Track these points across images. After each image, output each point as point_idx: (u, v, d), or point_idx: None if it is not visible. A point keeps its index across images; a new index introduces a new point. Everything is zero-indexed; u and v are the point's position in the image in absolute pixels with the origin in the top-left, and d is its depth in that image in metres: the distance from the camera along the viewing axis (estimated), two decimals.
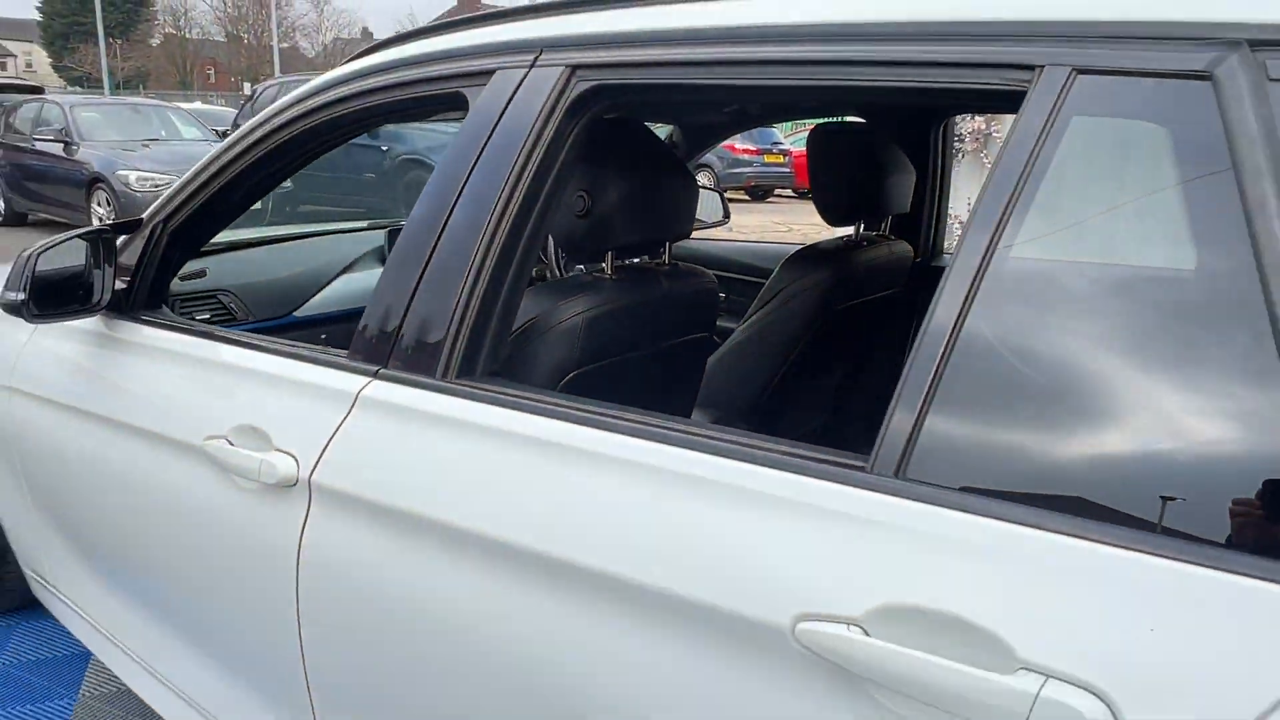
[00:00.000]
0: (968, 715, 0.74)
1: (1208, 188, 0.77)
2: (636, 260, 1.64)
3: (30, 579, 2.24)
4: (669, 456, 0.98)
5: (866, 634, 0.80)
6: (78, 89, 40.99)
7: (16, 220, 10.86)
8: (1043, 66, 0.86)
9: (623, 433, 1.03)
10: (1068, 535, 0.75)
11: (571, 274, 2.60)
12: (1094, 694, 0.70)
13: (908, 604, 0.79)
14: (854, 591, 0.82)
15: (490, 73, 1.31)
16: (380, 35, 65.76)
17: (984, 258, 0.84)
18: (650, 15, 1.19)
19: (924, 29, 0.94)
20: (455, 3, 58.90)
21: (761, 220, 12.02)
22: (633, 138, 1.54)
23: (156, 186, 8.89)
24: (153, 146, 9.89)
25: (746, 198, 15.74)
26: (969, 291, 0.84)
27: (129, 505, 1.66)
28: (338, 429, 1.27)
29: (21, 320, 1.96)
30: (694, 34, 1.13)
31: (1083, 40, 0.85)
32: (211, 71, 62.23)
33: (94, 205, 9.31)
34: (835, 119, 2.61)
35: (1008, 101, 0.88)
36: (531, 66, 1.26)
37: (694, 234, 3.09)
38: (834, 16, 1.01)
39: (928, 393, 0.84)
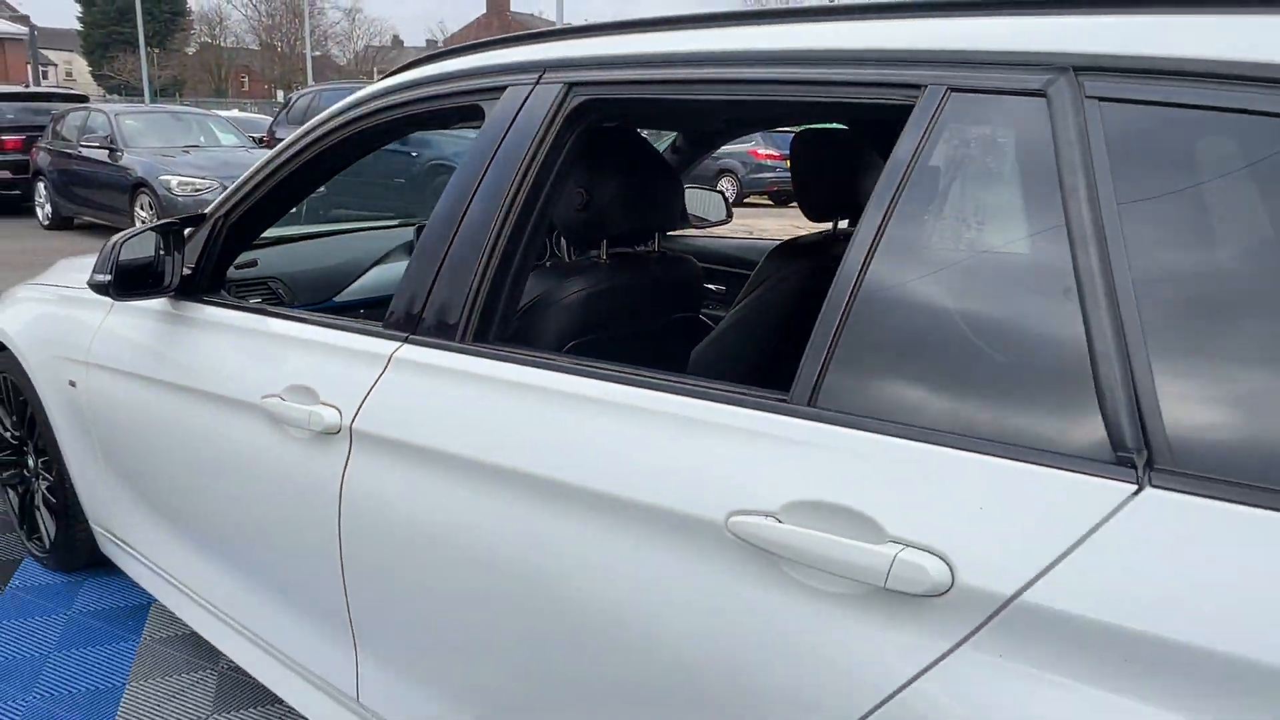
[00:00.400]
0: (849, 575, 0.98)
1: (1040, 180, 1.01)
2: (629, 248, 1.89)
3: (99, 535, 2.53)
4: (637, 396, 1.23)
5: (780, 522, 1.04)
6: (116, 97, 41.96)
7: (63, 224, 11.32)
8: (925, 86, 1.10)
9: (603, 379, 1.28)
10: (925, 443, 0.99)
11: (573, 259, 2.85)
12: (938, 555, 0.94)
13: (810, 499, 1.03)
14: (772, 491, 1.06)
15: (502, 88, 1.57)
16: (410, 42, 66.35)
17: (876, 236, 1.08)
18: (631, 42, 1.44)
19: (839, 55, 1.19)
20: (484, 10, 59.59)
21: (781, 224, 12.21)
22: (623, 142, 1.79)
23: (197, 191, 9.27)
24: (193, 152, 10.30)
25: (769, 202, 15.96)
26: (863, 263, 1.08)
27: (193, 459, 1.94)
28: (374, 384, 1.53)
29: (94, 307, 2.26)
30: (666, 57, 1.38)
31: (954, 65, 1.09)
32: (245, 79, 63.32)
33: (137, 209, 9.71)
34: (817, 125, 2.83)
35: (900, 113, 1.13)
36: (536, 84, 1.52)
37: (698, 231, 3.34)
38: (770, 45, 1.26)
39: (831, 343, 1.08)
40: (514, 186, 1.48)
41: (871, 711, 0.96)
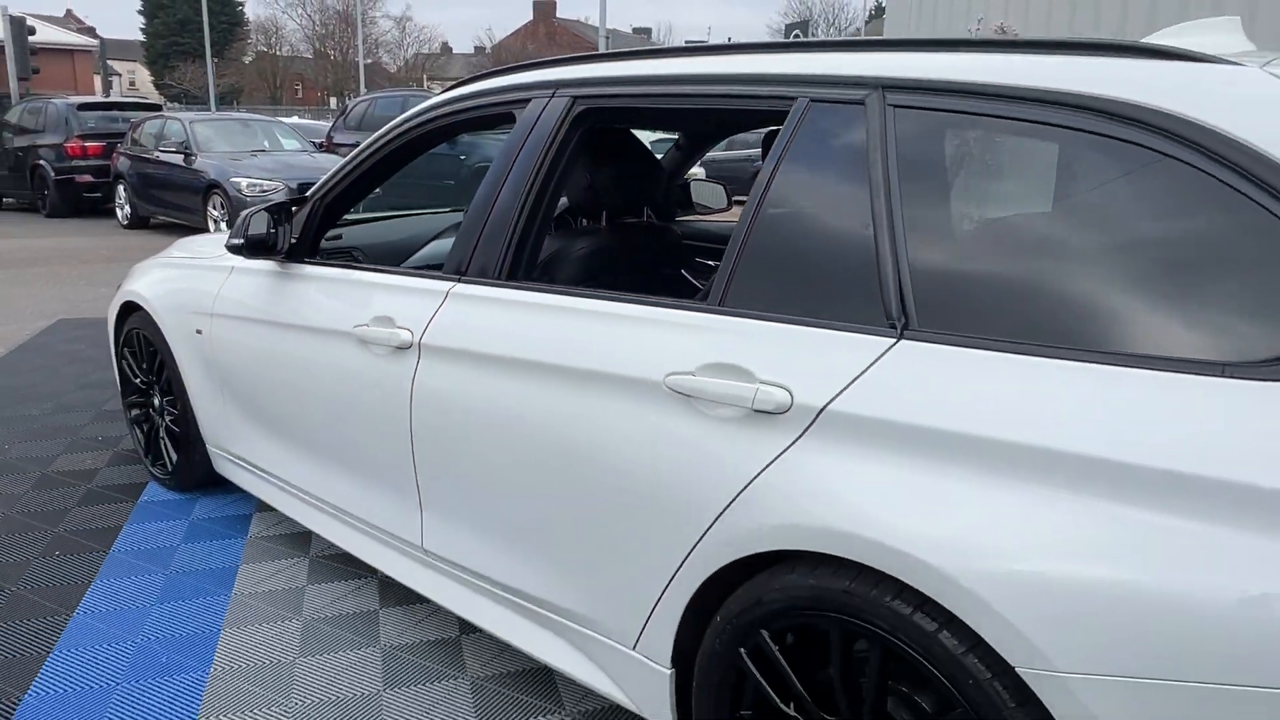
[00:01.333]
0: (733, 404, 1.57)
1: (858, 154, 1.59)
2: (624, 219, 2.50)
3: (215, 455, 3.20)
4: (614, 307, 1.83)
5: (694, 376, 1.63)
6: (176, 105, 43.61)
7: (140, 223, 12.24)
8: (795, 98, 1.69)
9: (591, 298, 1.89)
10: (779, 324, 1.58)
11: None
12: (783, 388, 1.53)
13: (714, 361, 1.63)
14: (692, 358, 1.66)
15: (528, 100, 2.19)
16: (459, 49, 67.32)
17: (760, 196, 1.67)
18: (613, 68, 2.05)
19: (743, 78, 1.78)
20: (531, 17, 60.71)
21: None
22: (617, 140, 2.40)
23: (264, 192, 10.07)
24: (260, 156, 11.14)
25: None
26: (752, 214, 1.67)
27: (297, 380, 2.58)
28: (436, 312, 2.16)
29: (216, 271, 2.92)
30: (638, 78, 1.99)
31: (813, 84, 1.68)
32: (299, 87, 65.08)
33: (210, 209, 10.55)
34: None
35: (780, 119, 1.72)
36: (551, 97, 2.13)
37: (700, 217, 3.94)
38: (703, 70, 1.86)
39: (734, 263, 1.67)
40: (535, 171, 2.10)
41: (746, 486, 1.55)
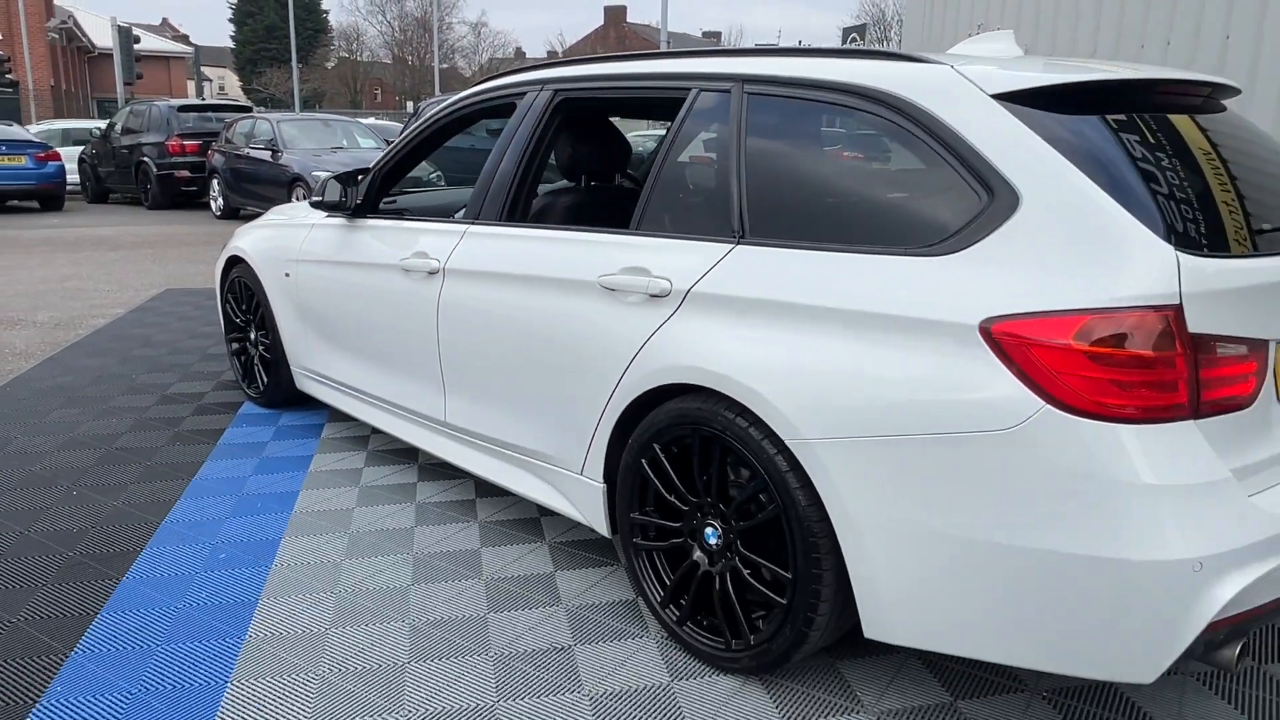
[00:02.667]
0: (638, 291, 2.35)
1: (725, 126, 2.36)
2: (599, 181, 3.30)
3: (296, 374, 4.09)
4: (572, 235, 2.63)
5: (615, 275, 2.42)
6: (263, 108, 45.78)
7: (231, 214, 13.48)
8: (691, 88, 2.47)
9: (558, 230, 2.69)
10: (667, 239, 2.36)
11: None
12: (666, 279, 2.31)
13: (628, 265, 2.41)
14: (617, 265, 2.45)
15: (525, 92, 3.00)
16: (531, 54, 68.66)
17: (664, 157, 2.46)
18: (579, 69, 2.85)
19: (660, 74, 2.57)
20: (602, 22, 61.93)
21: None
22: (590, 122, 3.20)
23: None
24: (339, 153, 12.23)
25: None
26: (657, 168, 2.46)
27: (358, 304, 3.44)
28: (457, 245, 2.98)
29: (300, 227, 3.80)
30: (596, 76, 2.78)
31: (703, 79, 2.45)
32: (378, 91, 67.34)
33: (294, 200, 11.66)
34: None
35: (680, 107, 2.49)
36: (540, 90, 2.95)
37: None
38: (633, 69, 2.66)
39: (645, 201, 2.46)
40: (527, 143, 2.91)
41: (644, 344, 2.33)
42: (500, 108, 3.15)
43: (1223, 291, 1.73)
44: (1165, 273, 1.69)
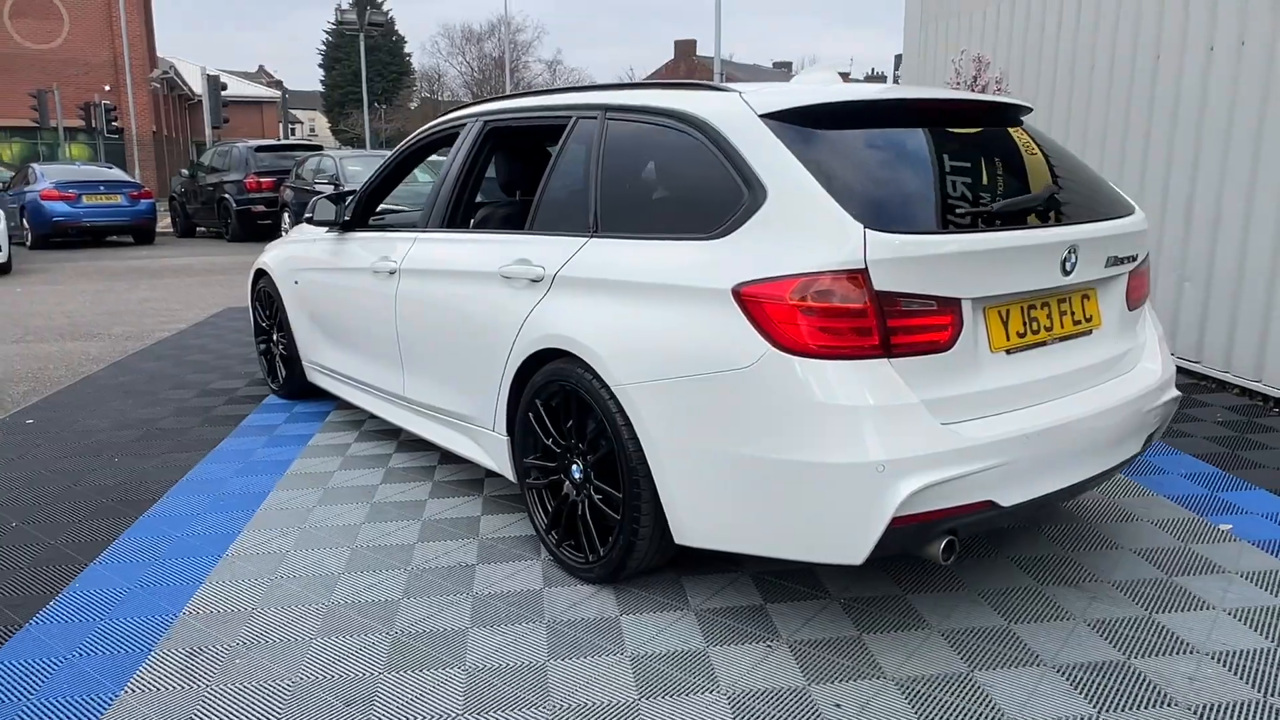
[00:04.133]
0: (526, 277, 2.96)
1: (591, 145, 2.96)
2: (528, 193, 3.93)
3: (306, 366, 4.80)
4: (486, 235, 3.26)
5: (511, 265, 3.03)
6: (349, 147, 48.16)
7: None
8: (571, 116, 3.09)
9: (479, 233, 3.32)
10: (550, 235, 2.97)
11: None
12: (542, 268, 2.91)
13: (520, 257, 3.02)
14: (512, 258, 3.06)
15: (464, 124, 3.66)
16: None
17: (551, 166, 3.07)
18: (498, 105, 3.49)
19: (549, 106, 3.19)
20: (672, 56, 63.14)
21: None
22: (516, 146, 3.83)
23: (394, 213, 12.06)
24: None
25: None
26: (544, 181, 3.07)
27: (344, 301, 4.13)
28: (410, 249, 3.64)
29: (306, 242, 4.52)
30: (508, 109, 3.42)
31: (580, 109, 3.06)
32: None
33: None
34: None
35: (563, 132, 3.11)
36: (474, 120, 3.60)
37: None
38: (535, 103, 3.28)
39: (534, 213, 3.07)
40: (464, 164, 3.56)
41: (525, 319, 2.92)
42: (450, 137, 3.82)
43: (905, 259, 2.25)
44: (854, 245, 2.22)
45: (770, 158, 2.43)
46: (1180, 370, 5.33)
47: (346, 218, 4.25)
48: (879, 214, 2.30)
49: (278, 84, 70.87)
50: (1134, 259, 2.82)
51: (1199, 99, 5.00)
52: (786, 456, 2.26)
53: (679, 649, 2.48)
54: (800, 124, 2.50)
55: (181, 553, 3.13)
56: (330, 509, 3.50)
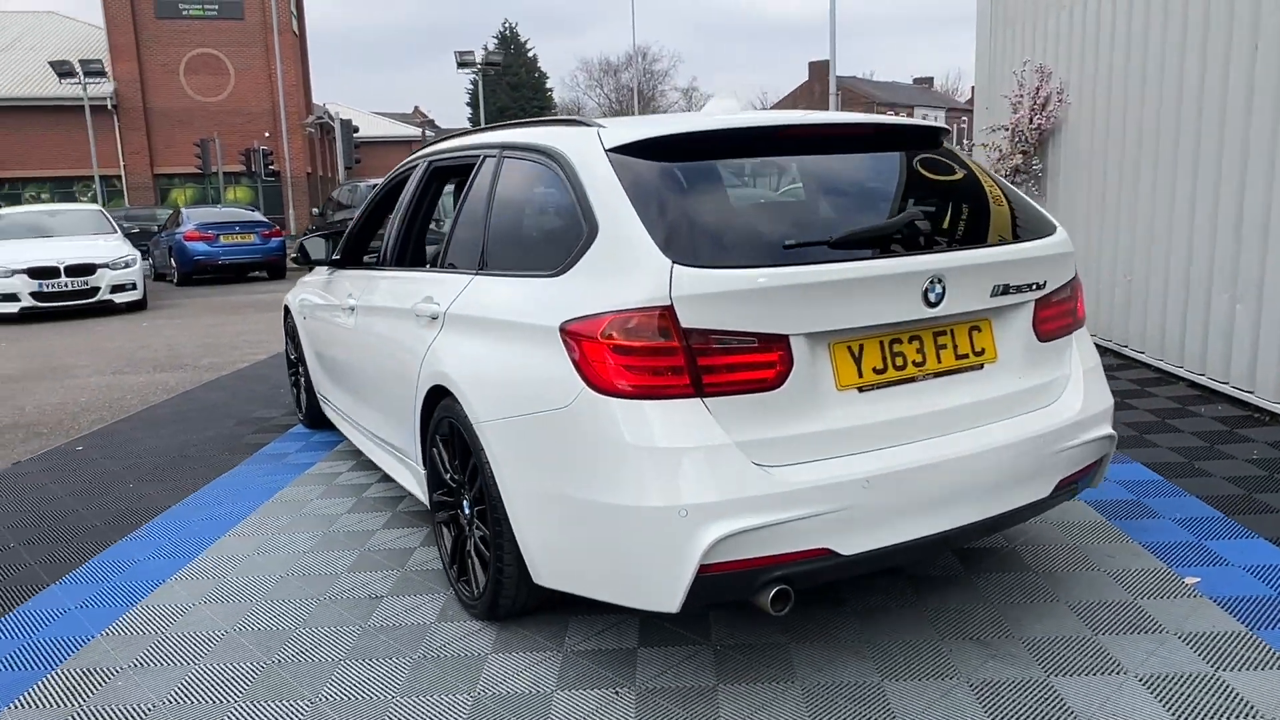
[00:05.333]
0: (426, 314, 3.01)
1: (491, 179, 2.99)
2: None
3: (319, 398, 5.03)
4: (408, 274, 3.34)
5: (421, 303, 3.10)
6: None
7: None
8: (479, 156, 3.13)
9: (404, 271, 3.41)
10: (449, 274, 3.01)
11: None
12: (439, 305, 2.96)
13: (426, 295, 3.08)
14: (422, 295, 3.12)
15: (416, 165, 3.77)
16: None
17: (461, 201, 3.12)
18: (439, 145, 3.58)
19: (469, 148, 3.25)
20: (807, 78, 62.59)
21: None
22: (454, 184, 3.90)
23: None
24: None
25: None
26: (453, 221, 3.12)
27: (330, 337, 4.31)
28: (364, 286, 3.77)
29: (314, 284, 4.74)
30: (442, 150, 3.50)
31: (485, 148, 3.11)
32: None
33: None
34: None
35: (473, 170, 3.15)
36: (422, 160, 3.70)
37: None
38: (462, 143, 3.35)
39: (444, 251, 3.13)
40: (411, 202, 3.66)
41: (423, 357, 2.97)
42: (409, 175, 3.94)
43: (715, 295, 2.15)
44: (660, 281, 2.15)
45: (604, 193, 2.39)
46: (1230, 400, 4.84)
47: (336, 256, 4.44)
48: (696, 249, 2.22)
49: (429, 123, 74.70)
50: (1039, 286, 2.60)
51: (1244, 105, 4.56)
52: (601, 499, 2.20)
53: (527, 691, 2.45)
54: (647, 158, 2.45)
55: (224, 520, 3.33)
56: (286, 537, 3.64)
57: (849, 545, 2.21)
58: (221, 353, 8.53)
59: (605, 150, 2.48)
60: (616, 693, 2.42)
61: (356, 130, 21.62)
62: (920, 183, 2.68)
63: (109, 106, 30.78)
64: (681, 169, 2.43)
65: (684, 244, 2.22)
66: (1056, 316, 2.67)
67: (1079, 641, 2.56)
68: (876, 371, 2.34)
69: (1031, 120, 6.87)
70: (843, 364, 2.30)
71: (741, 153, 2.55)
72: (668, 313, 2.15)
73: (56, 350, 9.28)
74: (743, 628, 2.72)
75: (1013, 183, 7.19)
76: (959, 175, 2.74)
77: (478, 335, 2.69)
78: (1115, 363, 5.95)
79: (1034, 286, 2.58)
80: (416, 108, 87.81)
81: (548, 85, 67.34)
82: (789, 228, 2.39)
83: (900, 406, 2.35)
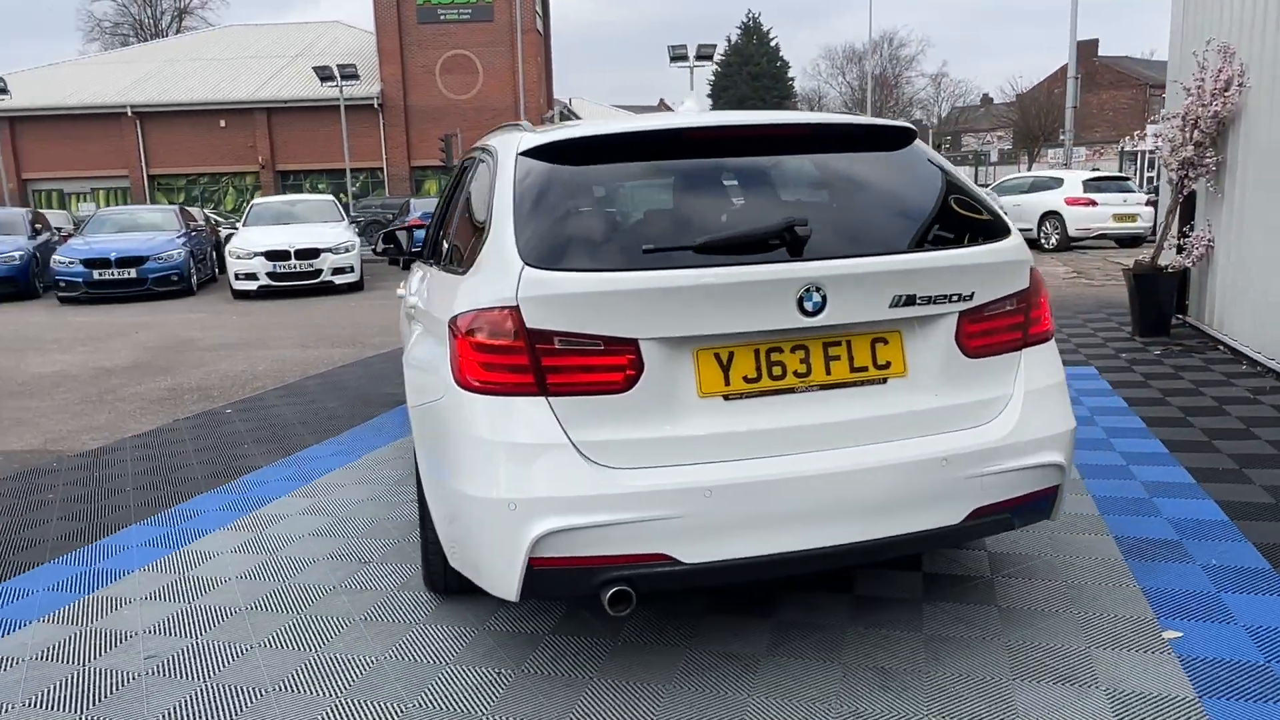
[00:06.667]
0: (409, 305, 3.24)
1: (463, 189, 3.16)
2: None
3: None
4: (419, 267, 3.58)
5: (409, 297, 3.33)
6: None
7: None
8: (475, 156, 3.30)
9: (420, 265, 3.65)
10: (430, 267, 3.22)
11: None
12: (417, 296, 3.17)
13: (412, 285, 3.31)
14: (412, 287, 3.35)
15: (471, 157, 4.01)
16: (1000, 100, 65.77)
17: (451, 193, 3.31)
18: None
19: (475, 149, 3.42)
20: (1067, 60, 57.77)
21: None
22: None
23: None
24: None
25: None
26: (443, 211, 3.32)
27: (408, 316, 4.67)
28: (417, 281, 4.08)
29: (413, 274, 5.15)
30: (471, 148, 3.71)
31: (478, 150, 3.27)
32: None
33: None
34: None
35: (471, 166, 3.33)
36: (470, 155, 3.93)
37: None
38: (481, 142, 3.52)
39: (433, 239, 3.34)
40: (444, 198, 3.92)
41: (411, 340, 3.21)
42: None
43: (558, 296, 2.19)
44: (511, 282, 2.22)
45: (500, 195, 2.49)
46: None
47: (413, 250, 4.79)
48: (553, 252, 2.27)
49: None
50: (962, 298, 2.40)
51: None
52: (459, 488, 2.32)
53: (428, 662, 2.61)
54: (550, 160, 2.51)
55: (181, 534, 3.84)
56: (299, 521, 4.03)
57: (690, 554, 2.19)
58: (392, 332, 9.34)
59: (518, 153, 2.57)
60: (500, 674, 2.53)
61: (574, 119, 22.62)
62: (837, 187, 2.55)
63: (375, 106, 34.06)
64: (575, 173, 2.48)
65: (541, 247, 2.28)
66: (991, 331, 2.46)
67: (986, 684, 2.36)
68: (748, 380, 2.28)
69: (1209, 104, 6.09)
70: (707, 371, 2.26)
71: (655, 155, 2.54)
72: (514, 313, 2.22)
73: (270, 324, 10.54)
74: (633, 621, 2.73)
75: (1183, 177, 6.42)
76: (896, 178, 2.58)
77: (418, 327, 2.88)
78: None
79: (955, 298, 2.39)
80: (661, 100, 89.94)
81: (789, 75, 66.65)
82: (661, 232, 2.37)
83: (772, 418, 2.28)
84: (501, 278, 2.27)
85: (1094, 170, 20.13)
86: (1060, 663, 2.45)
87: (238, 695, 2.47)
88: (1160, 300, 6.70)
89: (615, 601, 2.20)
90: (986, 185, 20.88)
